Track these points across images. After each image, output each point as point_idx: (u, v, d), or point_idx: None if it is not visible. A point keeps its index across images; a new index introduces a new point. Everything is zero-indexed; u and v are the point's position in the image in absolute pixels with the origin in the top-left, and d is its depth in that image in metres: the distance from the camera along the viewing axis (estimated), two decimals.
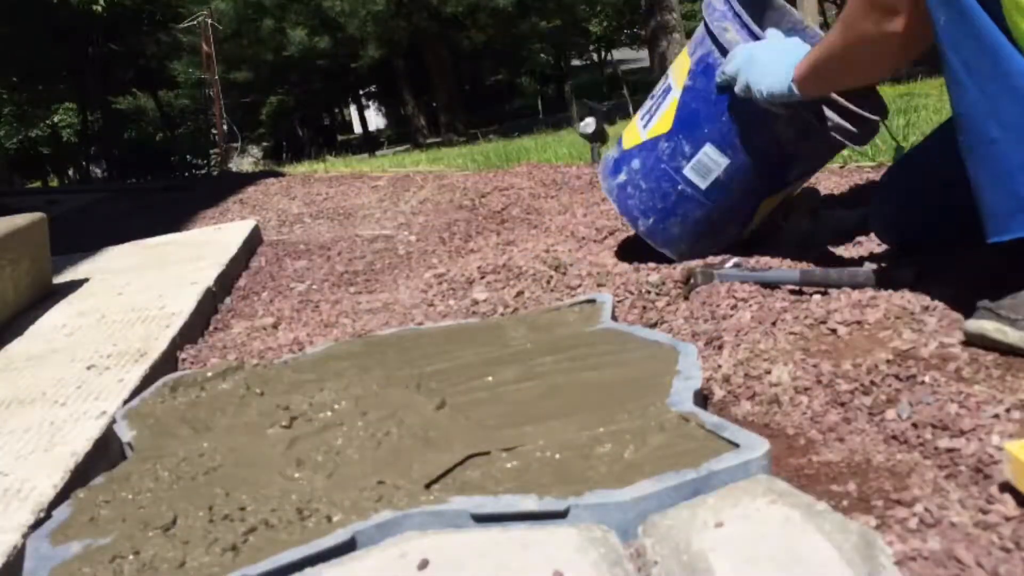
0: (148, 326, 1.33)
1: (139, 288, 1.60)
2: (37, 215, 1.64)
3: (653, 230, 1.48)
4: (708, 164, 1.40)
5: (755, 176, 1.39)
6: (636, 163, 1.49)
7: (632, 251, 1.60)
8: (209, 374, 1.08)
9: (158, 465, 0.81)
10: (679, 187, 1.43)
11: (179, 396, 1.00)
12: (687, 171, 1.42)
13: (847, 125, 1.26)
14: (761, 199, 1.43)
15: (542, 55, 17.00)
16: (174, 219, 2.79)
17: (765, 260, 1.48)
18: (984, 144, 0.88)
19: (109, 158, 14.30)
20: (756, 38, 1.29)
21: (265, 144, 14.92)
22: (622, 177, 1.51)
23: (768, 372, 0.96)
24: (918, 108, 3.11)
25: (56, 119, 15.24)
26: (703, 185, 1.42)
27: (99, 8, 10.60)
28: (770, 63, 1.20)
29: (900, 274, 1.15)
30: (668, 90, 1.46)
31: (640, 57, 17.26)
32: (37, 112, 14.67)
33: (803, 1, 8.64)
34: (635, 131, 1.51)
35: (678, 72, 1.44)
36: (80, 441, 0.91)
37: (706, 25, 1.35)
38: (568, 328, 1.07)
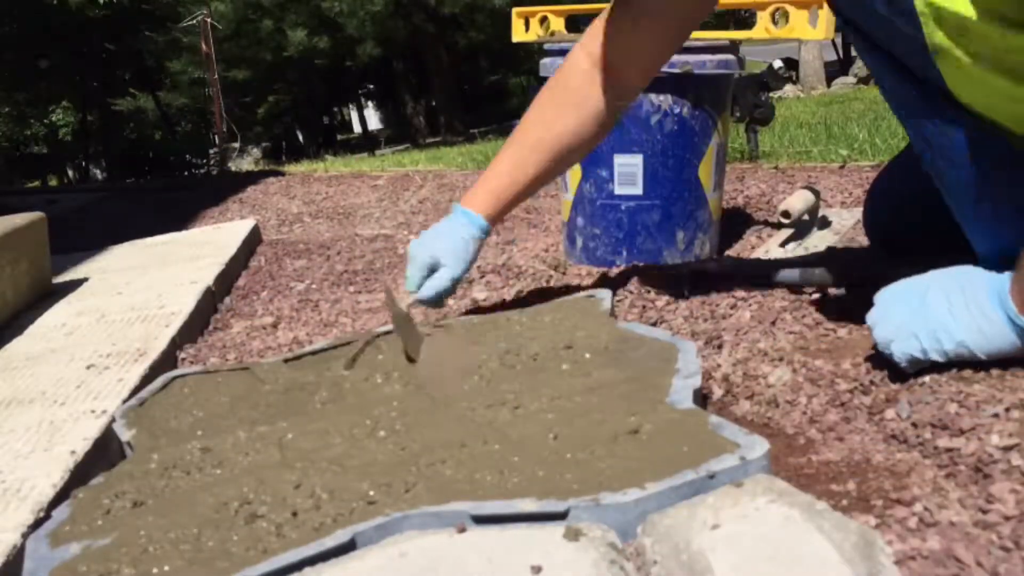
0: (148, 325, 1.33)
1: (139, 288, 1.60)
2: (37, 215, 1.64)
3: (634, 259, 1.50)
4: (627, 170, 1.45)
5: (670, 150, 1.43)
6: (580, 220, 1.55)
7: None
8: (208, 373, 1.08)
9: (157, 465, 0.81)
10: (622, 207, 1.48)
11: (178, 395, 1.00)
12: (618, 190, 1.46)
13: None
14: (695, 167, 1.46)
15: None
16: (174, 219, 2.79)
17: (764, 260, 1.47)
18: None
19: (108, 158, 14.28)
20: None
21: (264, 144, 14.88)
22: (579, 241, 1.57)
23: (768, 372, 0.96)
24: None
25: (53, 118, 15.21)
26: (639, 190, 1.46)
27: (97, 11, 10.59)
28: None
29: (899, 274, 1.15)
30: None
31: None
32: (34, 112, 14.65)
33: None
34: (564, 201, 1.58)
35: None
36: (79, 441, 0.91)
37: None
38: (567, 325, 1.06)
